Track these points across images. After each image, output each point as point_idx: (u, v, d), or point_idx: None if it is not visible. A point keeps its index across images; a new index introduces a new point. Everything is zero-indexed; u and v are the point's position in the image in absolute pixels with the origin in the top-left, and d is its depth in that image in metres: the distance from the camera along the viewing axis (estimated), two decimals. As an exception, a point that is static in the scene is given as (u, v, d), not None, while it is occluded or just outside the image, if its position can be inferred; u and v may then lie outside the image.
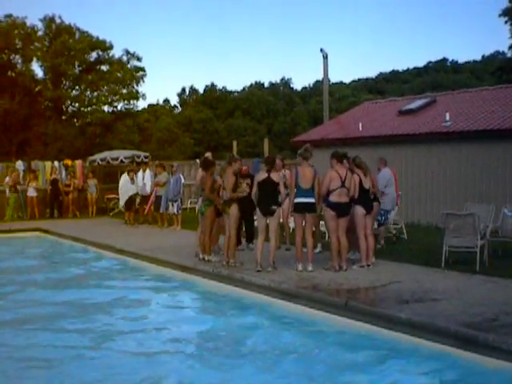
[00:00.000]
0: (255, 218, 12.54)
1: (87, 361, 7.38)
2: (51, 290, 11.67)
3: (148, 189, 20.94)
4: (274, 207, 11.14)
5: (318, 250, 12.85)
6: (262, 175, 11.33)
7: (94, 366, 7.19)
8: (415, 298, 8.70)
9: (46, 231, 20.02)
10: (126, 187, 20.82)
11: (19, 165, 25.74)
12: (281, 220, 13.59)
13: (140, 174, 21.18)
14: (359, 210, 11.29)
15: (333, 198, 11.03)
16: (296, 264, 11.17)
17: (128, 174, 21.05)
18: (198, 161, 23.63)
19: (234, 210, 11.65)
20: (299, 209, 11.18)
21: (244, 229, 14.16)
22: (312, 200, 11.08)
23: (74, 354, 7.57)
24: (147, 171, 21.38)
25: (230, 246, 11.78)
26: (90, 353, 7.67)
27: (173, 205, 19.04)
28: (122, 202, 21.28)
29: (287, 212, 13.11)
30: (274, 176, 11.24)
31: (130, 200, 20.85)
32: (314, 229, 11.89)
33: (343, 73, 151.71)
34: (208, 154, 14.45)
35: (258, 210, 11.33)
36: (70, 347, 7.81)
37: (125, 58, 46.39)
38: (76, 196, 25.29)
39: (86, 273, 13.47)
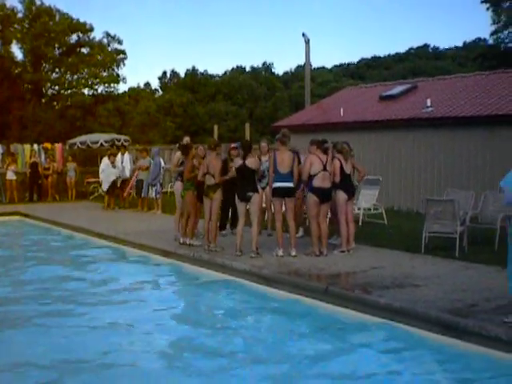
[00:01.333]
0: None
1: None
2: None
3: (127, 172, 20.86)
4: (250, 194, 11.06)
5: (299, 234, 12.81)
6: (237, 162, 11.28)
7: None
8: (396, 284, 8.72)
9: (25, 215, 19.79)
10: (107, 171, 20.63)
11: (-2, 148, 25.48)
12: (264, 205, 13.54)
13: (119, 157, 21.06)
14: (341, 196, 11.26)
15: (316, 182, 10.99)
16: (277, 249, 11.14)
17: (109, 157, 20.87)
18: (177, 145, 23.49)
19: (218, 194, 11.61)
20: (278, 193, 11.16)
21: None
22: (290, 184, 11.06)
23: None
24: (126, 155, 21.29)
25: (211, 229, 11.73)
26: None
27: (152, 189, 19.01)
28: (104, 187, 21.04)
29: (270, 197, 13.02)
30: (250, 162, 11.12)
31: (112, 184, 20.69)
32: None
33: (325, 58, 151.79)
34: (187, 139, 14.32)
35: (236, 195, 11.30)
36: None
37: (105, 41, 45.93)
38: (55, 179, 25.05)
39: (67, 257, 13.38)
